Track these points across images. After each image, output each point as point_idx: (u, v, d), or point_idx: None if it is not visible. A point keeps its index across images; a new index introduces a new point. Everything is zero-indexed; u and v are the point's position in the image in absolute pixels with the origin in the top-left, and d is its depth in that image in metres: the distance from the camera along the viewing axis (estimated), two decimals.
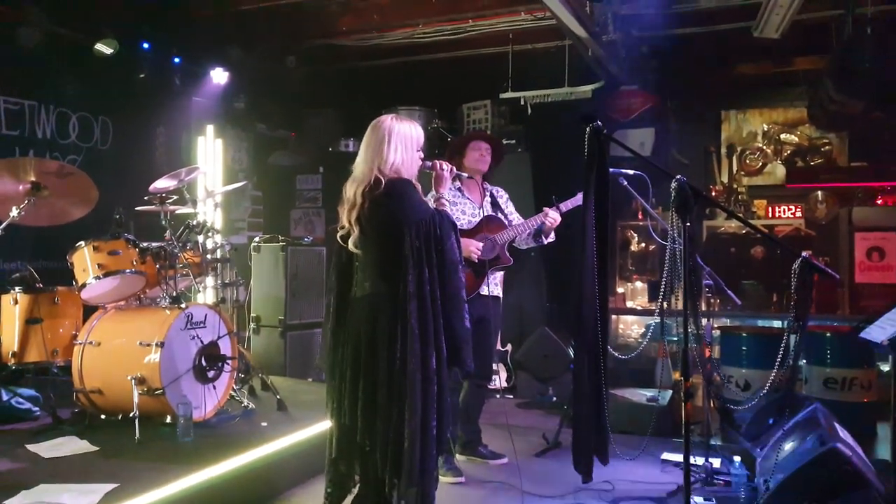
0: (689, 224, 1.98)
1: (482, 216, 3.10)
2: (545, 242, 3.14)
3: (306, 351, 4.68)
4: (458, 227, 2.23)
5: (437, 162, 2.31)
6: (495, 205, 3.20)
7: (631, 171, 2.99)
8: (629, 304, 5.48)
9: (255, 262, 4.73)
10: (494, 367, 4.38)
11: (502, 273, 3.17)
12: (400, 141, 2.14)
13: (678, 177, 2.00)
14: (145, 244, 3.31)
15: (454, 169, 2.35)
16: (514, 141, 5.25)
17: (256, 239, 4.81)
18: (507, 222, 3.12)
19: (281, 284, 4.62)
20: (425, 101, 5.53)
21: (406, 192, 2.09)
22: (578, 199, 3.10)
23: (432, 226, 2.06)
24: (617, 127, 5.31)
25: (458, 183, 3.07)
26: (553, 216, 3.08)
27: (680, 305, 2.06)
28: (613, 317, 5.26)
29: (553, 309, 5.04)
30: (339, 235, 2.16)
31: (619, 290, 5.54)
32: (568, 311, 4.90)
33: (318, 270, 4.86)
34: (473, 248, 2.95)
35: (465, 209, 3.06)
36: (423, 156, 2.20)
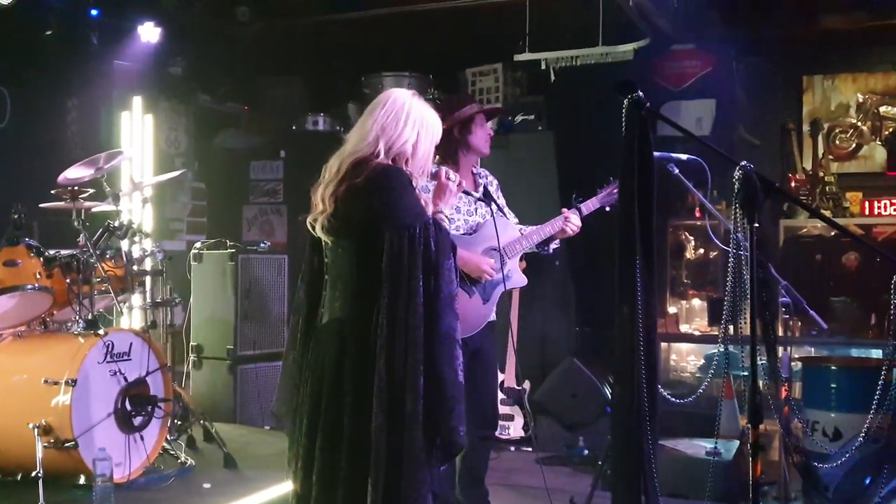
0: (757, 225, 1.98)
1: (480, 217, 3.09)
2: (550, 251, 3.19)
3: (263, 390, 4.70)
4: (452, 231, 2.31)
5: (444, 169, 2.34)
6: (488, 196, 3.19)
7: (684, 156, 3.02)
8: (684, 328, 5.48)
9: (197, 275, 4.75)
10: (507, 409, 4.42)
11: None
12: (423, 126, 2.19)
13: (743, 163, 2.01)
14: (52, 252, 3.30)
15: (463, 183, 2.37)
16: (532, 116, 5.27)
17: (198, 245, 4.84)
18: (518, 228, 3.16)
19: (229, 304, 4.65)
20: (418, 64, 5.54)
21: (396, 183, 2.11)
22: (605, 196, 3.16)
23: (424, 237, 2.07)
24: (666, 98, 5.34)
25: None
26: (575, 222, 3.11)
27: (749, 330, 2.07)
28: (663, 345, 5.27)
29: (584, 335, 5.07)
30: (309, 221, 2.20)
31: (671, 309, 5.55)
32: (603, 338, 4.93)
33: (279, 285, 4.89)
34: (486, 266, 2.93)
35: (458, 204, 3.00)
36: (435, 154, 2.28)
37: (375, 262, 2.05)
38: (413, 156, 2.19)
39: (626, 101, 2.14)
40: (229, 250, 4.70)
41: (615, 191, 3.20)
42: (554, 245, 3.19)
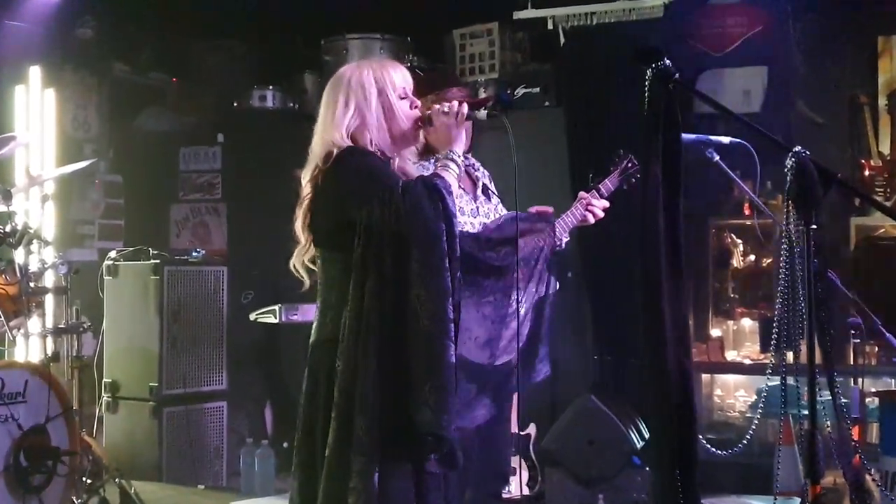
0: (815, 226, 2.00)
1: (485, 216, 3.17)
2: (562, 245, 3.31)
3: (196, 439, 4.72)
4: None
5: (451, 105, 2.43)
6: (485, 192, 3.31)
7: (726, 139, 3.06)
8: (731, 355, 5.45)
9: (111, 293, 4.76)
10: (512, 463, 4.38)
11: None
12: (359, 93, 2.40)
13: (796, 149, 2.03)
14: None
15: (464, 111, 2.43)
16: (536, 89, 5.27)
17: (113, 254, 4.84)
18: (542, 219, 3.26)
19: (153, 329, 4.66)
20: (392, 25, 5.53)
21: (356, 160, 2.32)
22: (621, 171, 3.31)
23: (396, 202, 2.22)
24: (705, 65, 5.35)
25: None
26: (599, 204, 3.23)
27: (807, 359, 2.08)
28: (705, 377, 5.24)
29: (603, 365, 5.05)
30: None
31: (714, 332, 5.52)
32: (628, 369, 4.93)
33: (216, 304, 4.92)
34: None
35: (460, 204, 3.09)
36: (415, 104, 2.43)
37: (346, 261, 2.26)
38: (366, 127, 2.38)
39: (649, 72, 2.17)
40: (153, 261, 4.71)
41: (630, 164, 3.33)
42: (565, 238, 3.30)
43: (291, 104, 5.78)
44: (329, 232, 2.33)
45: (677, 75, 2.19)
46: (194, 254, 4.91)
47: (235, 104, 5.78)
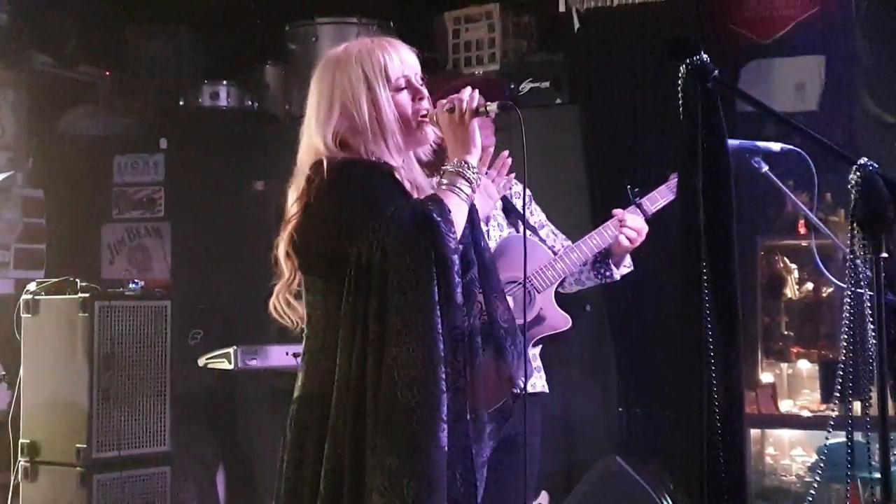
0: (886, 255, 2.01)
1: (496, 235, 3.23)
2: (616, 276, 3.34)
3: None
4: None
5: (452, 97, 2.41)
6: (509, 210, 3.34)
7: (777, 146, 3.06)
8: (786, 405, 5.42)
9: (30, 334, 4.74)
10: None
11: (539, 347, 3.32)
12: (344, 87, 2.39)
13: (861, 161, 2.03)
14: None
15: (474, 96, 2.40)
16: (546, 83, 5.30)
17: (32, 286, 4.82)
18: (547, 246, 3.28)
19: (81, 378, 4.63)
20: (370, 6, 5.59)
21: (350, 177, 2.32)
22: (672, 187, 3.28)
23: (397, 233, 2.22)
24: (750, 54, 5.35)
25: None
26: (634, 224, 3.23)
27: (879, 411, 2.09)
28: (754, 433, 5.19)
29: (631, 419, 5.04)
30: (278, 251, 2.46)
31: (765, 377, 5.50)
32: (660, 424, 4.88)
33: (159, 347, 4.90)
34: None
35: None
36: (420, 94, 2.42)
37: (335, 302, 2.29)
38: (357, 129, 2.37)
39: (682, 68, 2.18)
40: (81, 295, 4.68)
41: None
42: (625, 266, 3.33)
43: (249, 102, 5.81)
44: (325, 260, 2.32)
45: (717, 73, 2.21)
46: (131, 285, 4.88)
47: (181, 102, 5.80)
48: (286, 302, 2.41)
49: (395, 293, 2.18)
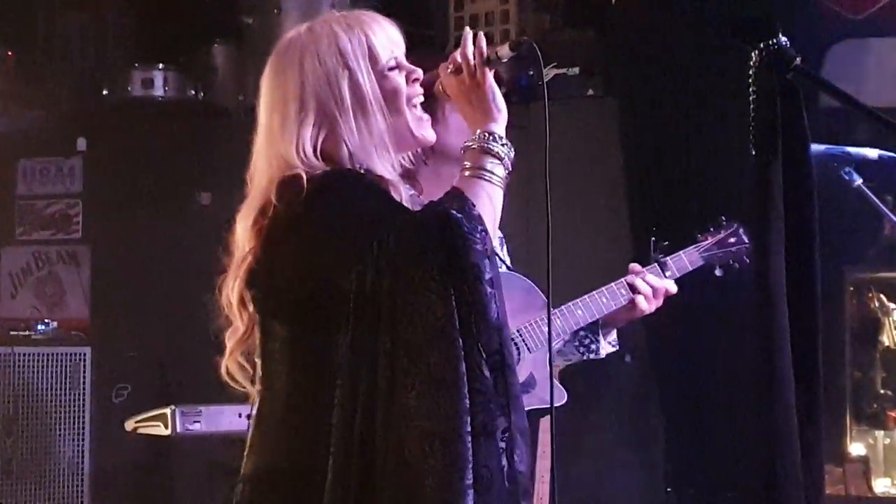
0: None
1: None
2: (602, 354, 3.40)
3: None
4: None
5: (452, 56, 2.43)
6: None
7: (872, 152, 3.15)
8: (882, 485, 5.43)
9: None
10: None
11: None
12: (320, 80, 2.36)
13: None
14: None
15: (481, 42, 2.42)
16: (575, 70, 5.35)
17: None
18: (540, 295, 3.30)
19: None
20: None
21: (339, 190, 2.29)
22: (713, 247, 3.43)
23: (409, 244, 2.19)
24: (839, 34, 5.36)
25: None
26: (654, 283, 3.30)
27: None
28: None
29: (682, 503, 5.07)
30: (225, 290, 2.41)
31: (855, 449, 5.50)
32: None
33: (75, 404, 4.90)
34: None
35: None
36: (413, 75, 2.42)
37: (319, 349, 2.23)
38: (344, 136, 2.31)
39: (754, 55, 2.19)
40: None
41: (734, 239, 3.43)
42: (610, 342, 3.38)
43: (193, 91, 5.83)
44: (298, 301, 2.28)
45: (799, 60, 2.21)
46: (40, 326, 4.88)
47: (105, 92, 5.81)
48: (239, 364, 2.39)
49: (403, 322, 2.14)
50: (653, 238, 3.44)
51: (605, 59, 5.40)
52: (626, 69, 5.38)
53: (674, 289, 3.32)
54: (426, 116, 2.43)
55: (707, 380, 4.87)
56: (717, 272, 3.42)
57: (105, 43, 6.07)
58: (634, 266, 3.31)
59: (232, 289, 2.33)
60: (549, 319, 2.61)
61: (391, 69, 2.36)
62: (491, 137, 2.32)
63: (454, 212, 2.19)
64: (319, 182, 2.24)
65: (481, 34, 2.38)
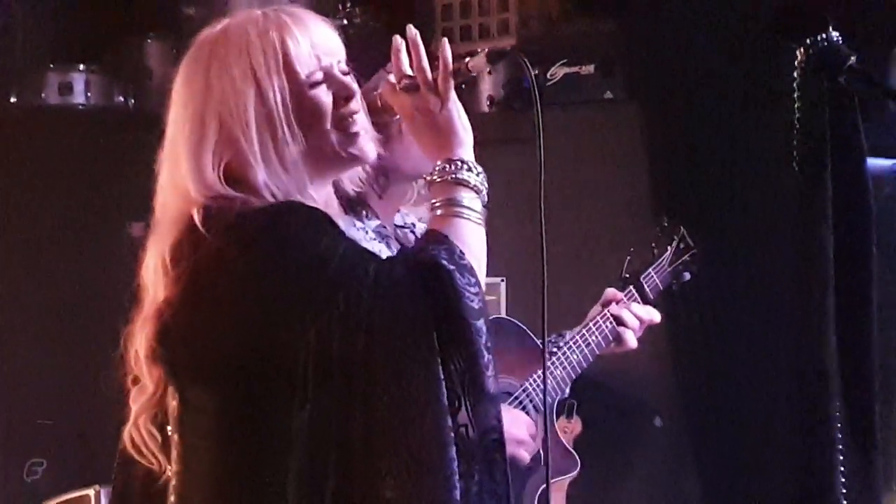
0: None
1: None
2: (565, 392, 3.61)
3: None
4: None
5: (395, 67, 2.44)
6: None
7: None
8: None
9: None
10: None
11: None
12: (226, 92, 2.37)
13: None
14: None
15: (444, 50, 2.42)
16: (590, 68, 5.37)
17: None
18: (533, 340, 3.52)
19: None
20: None
21: (281, 226, 2.28)
22: (675, 257, 3.75)
23: (390, 300, 2.19)
24: None
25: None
26: (638, 315, 3.54)
27: None
28: None
29: None
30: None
31: None
32: None
33: None
34: (522, 434, 3.38)
35: None
36: (344, 87, 2.42)
37: (265, 436, 2.22)
38: (251, 160, 2.32)
39: (800, 53, 2.31)
40: None
41: (683, 244, 3.76)
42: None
43: (121, 98, 5.84)
44: (230, 363, 2.26)
45: (853, 59, 2.31)
46: None
47: (13, 99, 5.85)
48: (149, 432, 2.41)
49: (380, 395, 2.14)
50: (629, 257, 3.68)
51: (625, 55, 5.41)
52: (651, 68, 5.39)
53: (657, 318, 3.53)
54: (365, 134, 2.43)
55: (752, 439, 4.90)
56: (674, 287, 3.73)
57: (13, 40, 6.05)
58: (613, 293, 3.55)
59: (140, 341, 2.32)
60: (544, 377, 2.85)
61: (314, 84, 2.36)
62: (463, 166, 2.35)
63: (444, 262, 2.20)
64: (257, 218, 2.26)
65: (445, 41, 2.37)
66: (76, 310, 5.42)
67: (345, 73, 2.42)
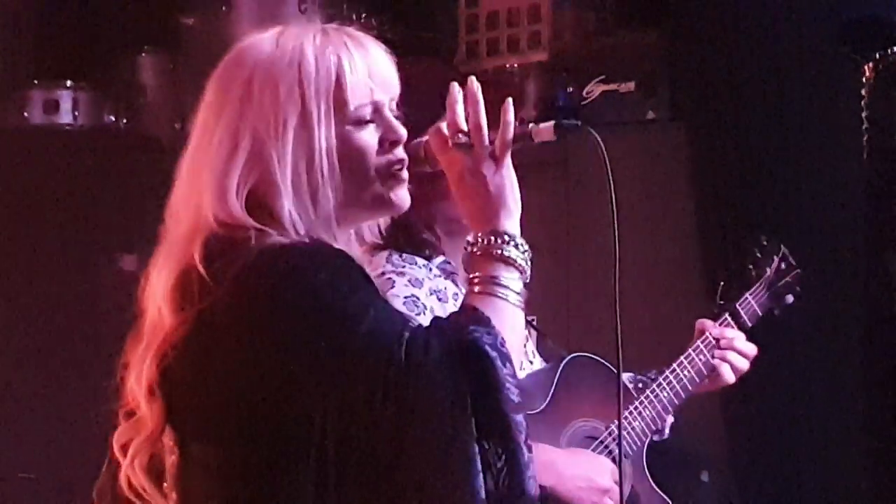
0: None
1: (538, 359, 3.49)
2: (666, 432, 3.66)
3: None
4: None
5: (455, 119, 2.40)
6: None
7: None
8: None
9: None
10: None
11: None
12: (266, 105, 2.35)
13: None
14: None
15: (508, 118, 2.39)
16: (631, 86, 5.36)
17: None
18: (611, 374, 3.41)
19: None
20: None
21: (309, 274, 2.26)
22: (774, 279, 3.76)
23: (422, 388, 2.16)
24: None
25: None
26: (741, 350, 3.57)
27: None
28: None
29: None
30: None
31: None
32: None
33: None
34: (602, 484, 3.36)
35: None
36: (394, 136, 2.38)
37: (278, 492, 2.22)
38: (280, 189, 2.30)
39: (867, 68, 2.41)
40: None
41: (784, 264, 3.77)
42: (670, 419, 3.61)
43: (112, 117, 5.81)
44: (237, 421, 2.24)
45: None
46: None
47: None
48: (146, 473, 2.35)
49: (416, 489, 2.12)
50: (721, 283, 3.68)
51: (669, 71, 5.42)
52: (697, 85, 5.40)
53: (753, 350, 3.54)
54: (402, 183, 2.40)
55: (801, 496, 4.95)
56: (776, 311, 3.71)
57: None
58: (707, 324, 3.55)
59: (140, 374, 2.28)
60: (618, 411, 2.66)
61: (361, 122, 2.33)
62: (510, 242, 2.33)
63: (487, 347, 2.18)
64: (280, 258, 2.23)
65: (509, 102, 2.35)
66: (63, 346, 5.42)
67: (396, 116, 2.39)
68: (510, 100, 2.34)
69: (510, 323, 2.28)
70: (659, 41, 5.46)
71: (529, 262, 2.35)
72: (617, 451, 3.31)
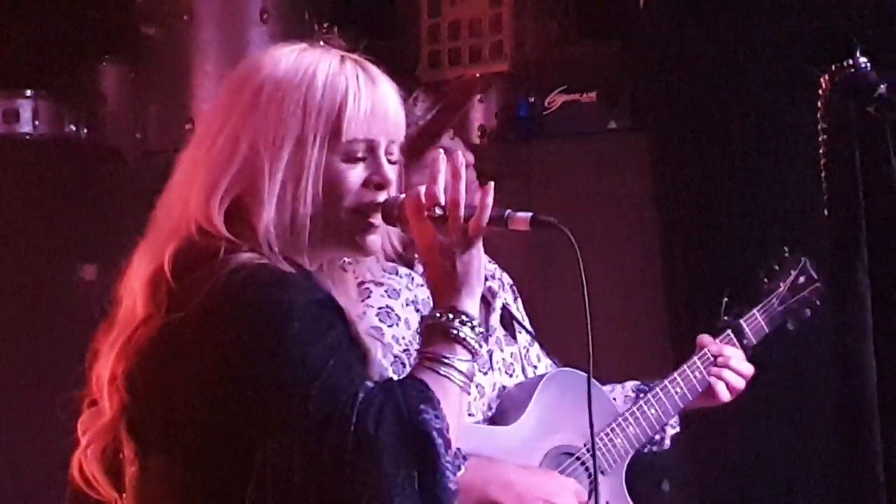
0: None
1: (502, 363, 3.45)
2: (667, 444, 3.70)
3: None
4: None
5: (432, 190, 2.40)
6: (507, 321, 3.59)
7: None
8: None
9: None
10: None
11: None
12: (271, 119, 2.36)
13: None
14: None
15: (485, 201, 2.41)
16: (592, 96, 5.38)
17: None
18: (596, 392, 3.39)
19: None
20: None
21: (265, 299, 2.27)
22: (787, 294, 3.71)
23: (365, 454, 2.17)
24: None
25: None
26: (738, 370, 3.56)
27: None
28: None
29: None
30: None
31: None
32: None
33: None
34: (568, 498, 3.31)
35: None
36: (382, 180, 2.41)
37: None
38: (264, 198, 2.31)
39: (824, 80, 2.33)
40: None
41: (803, 278, 3.71)
42: (672, 425, 3.62)
43: (73, 126, 5.81)
44: (191, 441, 2.25)
45: (883, 87, 2.31)
46: None
47: None
48: (98, 461, 2.38)
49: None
50: (725, 298, 3.61)
51: (631, 81, 5.46)
52: (659, 95, 5.42)
53: (751, 371, 3.51)
54: (375, 230, 2.41)
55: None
56: (790, 325, 3.67)
57: None
58: (706, 340, 3.52)
59: (105, 364, 2.30)
60: (590, 426, 2.68)
61: (352, 157, 2.34)
62: (466, 323, 2.33)
63: (435, 434, 2.19)
64: (256, 280, 2.23)
65: (491, 185, 2.35)
66: (21, 361, 5.41)
67: (393, 161, 2.42)
68: (492, 183, 2.35)
69: (455, 406, 2.28)
70: (620, 52, 5.51)
71: (482, 343, 2.37)
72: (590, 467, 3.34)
